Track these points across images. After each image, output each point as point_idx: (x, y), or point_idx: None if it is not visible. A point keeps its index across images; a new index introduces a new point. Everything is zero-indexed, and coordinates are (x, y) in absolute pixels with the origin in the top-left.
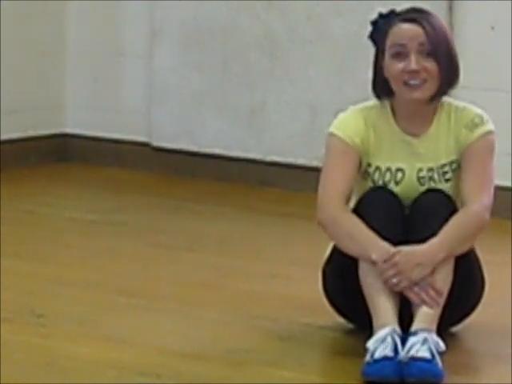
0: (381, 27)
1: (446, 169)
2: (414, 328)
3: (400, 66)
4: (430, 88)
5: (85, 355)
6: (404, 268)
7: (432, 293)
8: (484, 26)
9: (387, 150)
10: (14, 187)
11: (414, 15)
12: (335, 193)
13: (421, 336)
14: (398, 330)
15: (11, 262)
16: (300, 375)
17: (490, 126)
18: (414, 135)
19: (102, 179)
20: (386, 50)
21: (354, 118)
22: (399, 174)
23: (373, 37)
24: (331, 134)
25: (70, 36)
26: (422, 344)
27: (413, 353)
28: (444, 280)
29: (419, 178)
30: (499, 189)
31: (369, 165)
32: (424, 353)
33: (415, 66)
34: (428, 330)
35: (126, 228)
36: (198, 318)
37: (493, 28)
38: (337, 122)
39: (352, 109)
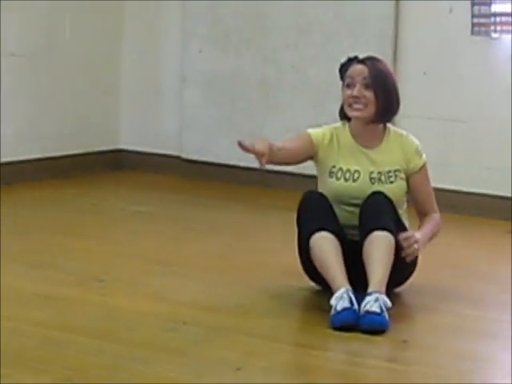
0: (344, 67)
1: (391, 174)
2: (369, 290)
3: (348, 92)
4: (368, 111)
5: (133, 308)
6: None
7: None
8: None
9: (348, 156)
10: (82, 188)
11: (365, 59)
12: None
13: (374, 296)
14: (350, 289)
15: (81, 241)
16: (286, 322)
17: (425, 157)
18: (368, 148)
19: (145, 182)
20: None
21: (323, 131)
22: (356, 174)
23: (340, 73)
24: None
25: (124, 75)
26: (375, 302)
27: (367, 308)
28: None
29: (371, 178)
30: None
31: (333, 166)
32: (376, 308)
33: (357, 93)
34: (379, 292)
35: (163, 217)
36: (214, 281)
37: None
38: (311, 130)
39: (324, 127)
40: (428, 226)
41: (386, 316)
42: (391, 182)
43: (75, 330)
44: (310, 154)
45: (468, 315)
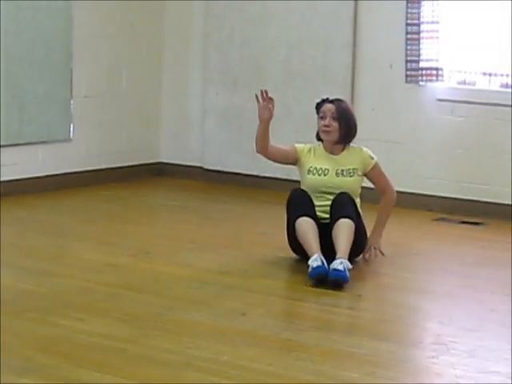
0: (319, 105)
1: (350, 171)
2: (336, 257)
3: (322, 122)
4: (334, 135)
5: (170, 272)
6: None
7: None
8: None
9: (320, 160)
10: (134, 189)
11: (333, 100)
12: (271, 147)
13: (339, 260)
14: (321, 254)
15: (133, 225)
16: (277, 282)
17: (376, 159)
18: (335, 154)
19: (178, 185)
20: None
21: (305, 146)
22: (326, 171)
23: (316, 109)
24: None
25: (164, 110)
26: (340, 263)
27: (335, 267)
28: (351, 237)
29: (336, 173)
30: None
31: (311, 167)
32: (340, 267)
33: (327, 123)
34: (344, 258)
35: (190, 209)
36: (226, 254)
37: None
38: (297, 145)
39: (307, 144)
40: (383, 217)
41: (348, 274)
42: (350, 176)
43: (130, 288)
44: (294, 158)
45: (405, 277)
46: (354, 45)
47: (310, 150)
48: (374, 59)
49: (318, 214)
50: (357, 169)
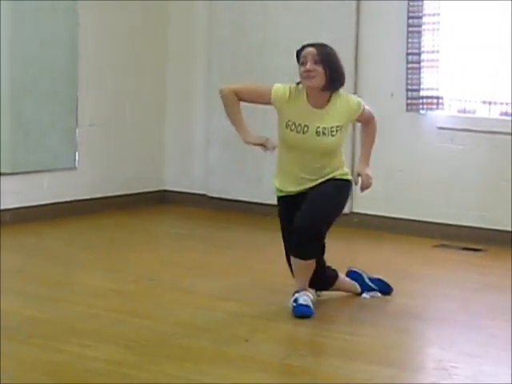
0: (299, 52)
1: (333, 129)
2: (297, 289)
3: (302, 68)
4: (317, 81)
5: (174, 299)
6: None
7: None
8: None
9: (300, 113)
10: (138, 216)
11: (314, 43)
12: (238, 89)
13: (302, 293)
14: (308, 292)
15: (137, 252)
16: (282, 310)
17: (363, 104)
18: (318, 108)
19: (182, 213)
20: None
21: (285, 88)
22: (305, 128)
23: (297, 57)
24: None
25: (168, 139)
26: (302, 298)
27: (299, 302)
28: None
29: (317, 132)
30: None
31: (289, 120)
32: (303, 302)
33: (308, 67)
34: (305, 290)
35: (194, 236)
36: (230, 281)
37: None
38: (276, 85)
39: (287, 84)
40: (368, 145)
41: (312, 307)
42: (332, 136)
43: (134, 314)
44: (266, 101)
45: (405, 303)
46: (356, 74)
47: (290, 95)
48: (376, 88)
49: (296, 172)
50: (340, 126)
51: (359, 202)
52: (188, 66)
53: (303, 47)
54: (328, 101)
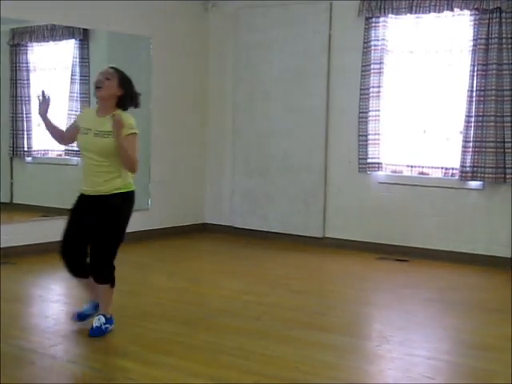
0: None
1: (105, 133)
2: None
3: (96, 80)
4: (104, 92)
5: (212, 293)
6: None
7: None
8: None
9: (88, 121)
10: (186, 240)
11: (113, 67)
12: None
13: (98, 317)
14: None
15: (185, 263)
16: (282, 295)
17: (135, 130)
18: (101, 116)
19: (216, 238)
20: None
21: (86, 110)
22: (88, 131)
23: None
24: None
25: (207, 193)
26: (98, 321)
27: (94, 324)
28: None
29: (95, 134)
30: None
31: (82, 127)
32: (98, 324)
33: (99, 83)
34: (100, 314)
35: (225, 253)
36: (248, 280)
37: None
38: (79, 114)
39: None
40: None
41: (103, 328)
42: (105, 137)
43: (186, 302)
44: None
45: (357, 294)
46: (326, 148)
47: (86, 112)
48: (339, 157)
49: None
50: (112, 132)
51: (331, 229)
52: (220, 143)
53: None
54: (110, 112)
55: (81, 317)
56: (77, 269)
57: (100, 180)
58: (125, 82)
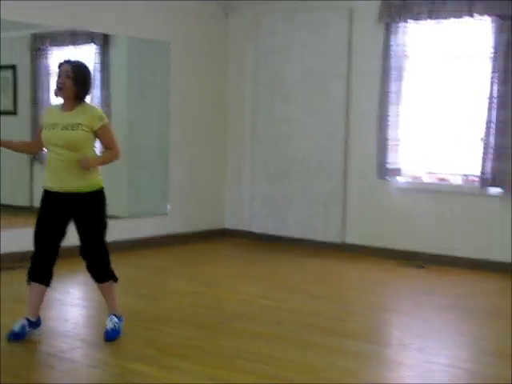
0: (60, 65)
1: (74, 126)
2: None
3: (57, 80)
4: (65, 93)
5: (229, 297)
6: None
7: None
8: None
9: (54, 117)
10: (206, 245)
11: (71, 62)
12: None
13: (109, 317)
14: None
15: (205, 267)
16: (300, 299)
17: (105, 119)
18: (66, 111)
19: (236, 243)
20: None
21: (49, 109)
22: (55, 125)
23: (58, 68)
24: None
25: (227, 193)
26: (110, 322)
27: (109, 326)
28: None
29: (62, 127)
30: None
31: (47, 123)
32: (111, 326)
33: (61, 81)
34: (113, 314)
35: (243, 257)
36: (265, 284)
37: None
38: (43, 115)
39: (54, 104)
40: (102, 156)
41: (117, 328)
42: (73, 130)
43: (204, 306)
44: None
45: (376, 300)
46: (345, 152)
47: (49, 110)
48: (359, 161)
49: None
50: (81, 124)
51: (350, 235)
52: (240, 148)
53: (64, 62)
54: (74, 107)
55: (15, 336)
56: (42, 272)
57: (72, 177)
58: (80, 79)
